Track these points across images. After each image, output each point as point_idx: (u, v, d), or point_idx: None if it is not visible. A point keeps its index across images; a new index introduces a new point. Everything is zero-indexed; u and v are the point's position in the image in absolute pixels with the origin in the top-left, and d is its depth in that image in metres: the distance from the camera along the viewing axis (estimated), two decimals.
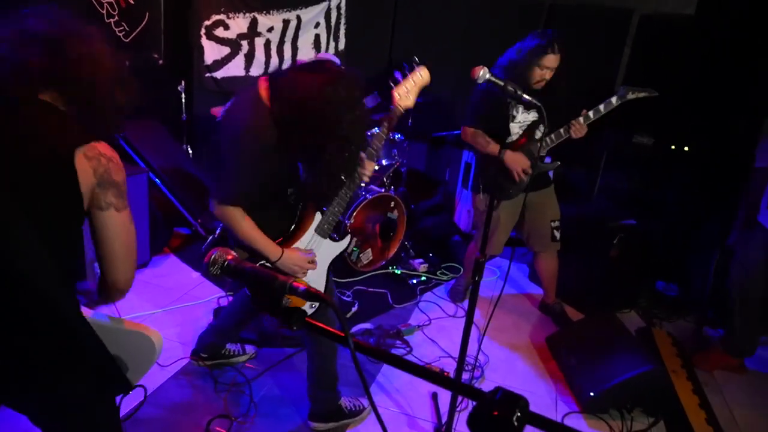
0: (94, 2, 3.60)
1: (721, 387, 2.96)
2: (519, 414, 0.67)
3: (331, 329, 0.89)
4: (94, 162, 1.23)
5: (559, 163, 3.05)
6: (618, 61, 4.27)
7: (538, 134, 2.98)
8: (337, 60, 3.92)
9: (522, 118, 2.98)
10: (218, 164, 1.89)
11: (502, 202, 3.06)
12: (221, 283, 3.46)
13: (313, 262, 2.08)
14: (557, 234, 3.21)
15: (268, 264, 2.00)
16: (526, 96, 1.83)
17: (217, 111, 3.93)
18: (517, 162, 2.89)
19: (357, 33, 4.99)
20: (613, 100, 2.84)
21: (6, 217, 1.11)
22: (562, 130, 2.89)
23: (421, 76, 2.09)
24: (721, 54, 3.75)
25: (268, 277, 0.94)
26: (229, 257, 1.02)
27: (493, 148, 2.89)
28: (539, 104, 1.86)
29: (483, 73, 1.82)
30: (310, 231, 2.12)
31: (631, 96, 2.83)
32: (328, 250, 2.18)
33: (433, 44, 4.76)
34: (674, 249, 3.95)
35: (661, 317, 3.66)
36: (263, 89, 1.85)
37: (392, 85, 2.05)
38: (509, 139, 2.99)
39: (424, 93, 4.29)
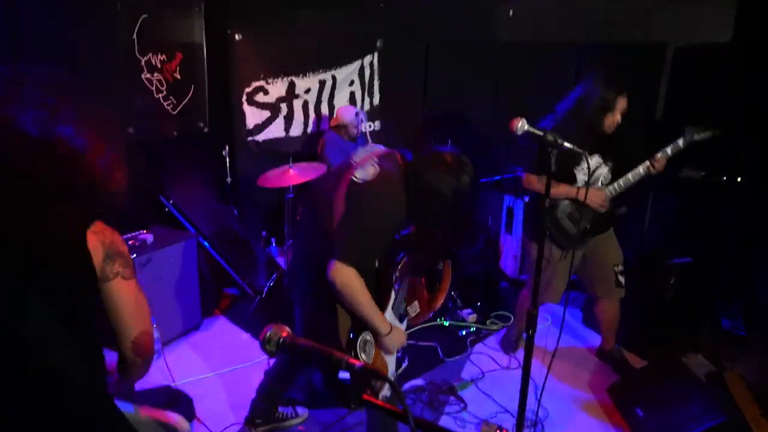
0: (144, 80, 3.83)
1: None
2: None
3: (389, 406, 0.87)
4: (101, 236, 1.24)
5: (626, 208, 3.00)
6: (656, 96, 4.21)
7: (604, 179, 2.95)
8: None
9: (585, 165, 2.90)
10: (355, 227, 1.89)
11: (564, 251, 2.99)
12: None
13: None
14: (622, 279, 3.09)
15: (369, 338, 2.01)
16: (567, 144, 1.82)
17: (264, 181, 4.06)
18: (596, 197, 2.88)
19: (391, 87, 5.12)
20: (680, 142, 2.81)
21: (24, 308, 1.10)
22: (641, 169, 2.84)
23: None
24: (763, 79, 3.64)
25: (326, 354, 0.94)
26: (284, 334, 1.03)
27: (566, 189, 2.86)
28: (582, 151, 1.84)
29: (521, 125, 1.82)
30: (389, 309, 2.11)
31: (697, 137, 2.79)
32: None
33: (466, 92, 4.82)
34: (736, 284, 3.75)
35: (731, 359, 3.43)
36: (402, 167, 1.98)
37: None
38: (575, 185, 2.93)
39: (458, 141, 4.33)
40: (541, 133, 1.81)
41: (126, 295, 1.28)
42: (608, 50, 4.28)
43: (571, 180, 2.92)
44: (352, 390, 0.91)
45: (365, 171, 1.95)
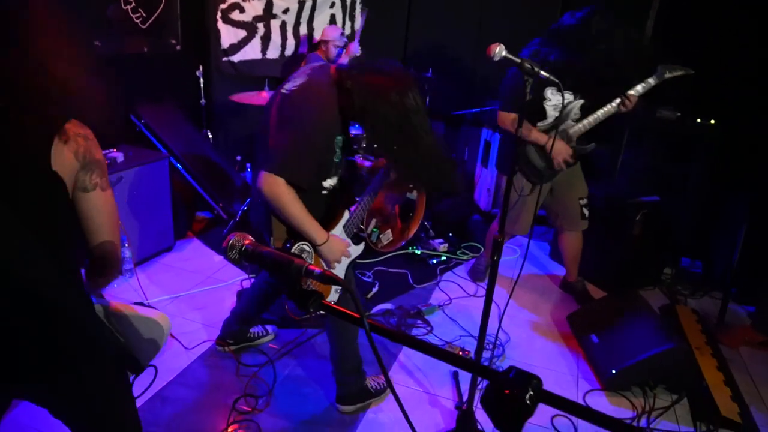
0: None
1: (746, 364, 2.92)
2: (532, 393, 0.67)
3: (346, 311, 0.90)
4: (73, 145, 1.18)
5: (594, 144, 3.00)
6: (641, 34, 4.15)
7: (575, 115, 2.95)
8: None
9: (556, 100, 2.92)
10: (283, 138, 1.86)
11: (533, 185, 3.04)
12: (243, 265, 3.51)
13: (348, 250, 2.13)
14: (586, 211, 3.19)
15: (306, 246, 2.01)
16: (543, 72, 1.79)
17: (237, 97, 3.97)
18: (561, 153, 2.91)
19: (373, 11, 4.93)
20: (651, 80, 2.79)
21: None
22: (611, 106, 2.84)
23: None
24: (749, 24, 3.61)
25: (285, 261, 0.96)
26: (247, 242, 1.04)
27: (537, 136, 2.88)
28: (557, 81, 1.82)
29: (499, 51, 1.78)
30: (339, 227, 2.13)
31: (668, 75, 2.78)
32: (351, 250, 2.20)
33: (449, 22, 4.69)
34: (698, 225, 3.88)
35: (685, 294, 3.62)
36: (334, 78, 1.90)
37: None
38: (545, 122, 2.94)
39: (440, 72, 4.24)
40: (518, 60, 1.78)
41: (104, 207, 1.28)
42: None
43: (542, 115, 2.93)
44: (311, 295, 0.93)
45: (294, 82, 1.93)
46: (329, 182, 2.09)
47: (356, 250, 2.22)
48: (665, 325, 2.79)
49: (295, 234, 1.98)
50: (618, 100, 2.83)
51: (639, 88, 2.80)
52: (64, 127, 1.19)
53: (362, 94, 1.82)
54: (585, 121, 2.91)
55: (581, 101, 2.92)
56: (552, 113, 2.94)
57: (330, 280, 0.92)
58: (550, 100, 2.91)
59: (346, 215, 2.15)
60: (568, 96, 2.90)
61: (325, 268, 2.10)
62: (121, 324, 1.35)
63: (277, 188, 1.84)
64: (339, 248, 2.06)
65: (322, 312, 0.94)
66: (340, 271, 2.17)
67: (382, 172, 2.24)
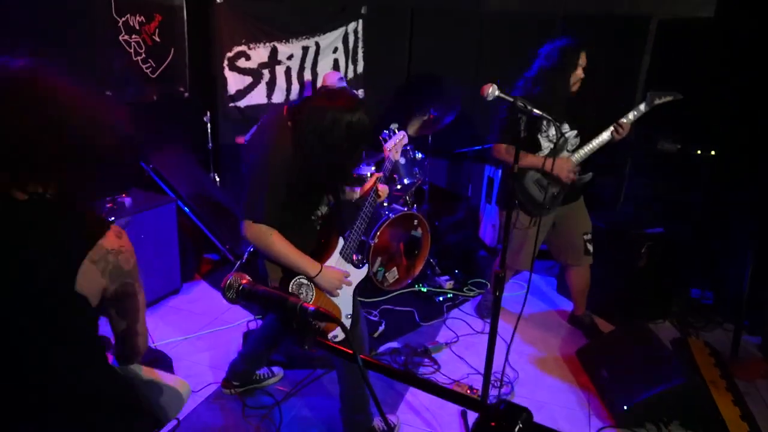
0: (122, 42, 3.77)
1: (763, 397, 2.84)
2: (521, 426, 0.67)
3: (341, 347, 0.91)
4: (102, 264, 1.19)
5: (591, 174, 3.02)
6: (638, 69, 4.23)
7: (571, 146, 2.98)
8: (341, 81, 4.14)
9: (551, 132, 2.95)
10: (248, 185, 1.94)
11: (533, 218, 3.04)
12: (250, 306, 3.52)
13: (347, 279, 2.14)
14: (590, 247, 3.17)
15: (304, 281, 2.04)
16: (536, 110, 1.84)
17: (242, 139, 4.07)
18: (563, 167, 2.89)
19: (375, 55, 5.07)
20: (642, 107, 2.84)
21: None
22: (605, 135, 2.88)
23: (402, 137, 2.49)
24: (743, 55, 3.68)
25: (280, 299, 0.98)
26: (244, 281, 1.06)
27: (533, 160, 2.89)
28: (549, 117, 1.87)
29: (492, 91, 1.84)
30: (336, 254, 2.16)
31: (658, 101, 2.83)
32: (352, 276, 2.21)
33: (450, 61, 4.81)
34: (706, 255, 3.85)
35: (697, 326, 3.56)
36: (285, 113, 1.97)
37: (382, 142, 2.41)
38: (539, 154, 2.97)
39: (442, 110, 4.31)
40: (511, 99, 1.83)
41: (137, 309, 1.33)
42: (593, 20, 4.28)
43: (536, 147, 2.96)
44: (307, 332, 0.94)
45: (251, 132, 2.01)
46: (318, 212, 2.13)
47: (357, 275, 2.23)
48: (677, 358, 2.74)
49: (289, 272, 2.02)
50: (611, 128, 2.86)
51: (630, 115, 2.85)
52: (97, 247, 1.19)
53: (304, 117, 1.88)
54: (581, 151, 2.94)
55: (575, 131, 2.97)
56: (546, 145, 2.97)
57: (324, 317, 0.93)
58: (544, 132, 2.95)
59: (341, 242, 2.17)
60: (564, 126, 2.94)
61: (329, 297, 2.12)
62: (142, 388, 1.37)
63: (257, 232, 1.91)
64: (335, 277, 2.08)
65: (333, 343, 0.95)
66: (345, 298, 2.18)
67: (371, 196, 2.27)
